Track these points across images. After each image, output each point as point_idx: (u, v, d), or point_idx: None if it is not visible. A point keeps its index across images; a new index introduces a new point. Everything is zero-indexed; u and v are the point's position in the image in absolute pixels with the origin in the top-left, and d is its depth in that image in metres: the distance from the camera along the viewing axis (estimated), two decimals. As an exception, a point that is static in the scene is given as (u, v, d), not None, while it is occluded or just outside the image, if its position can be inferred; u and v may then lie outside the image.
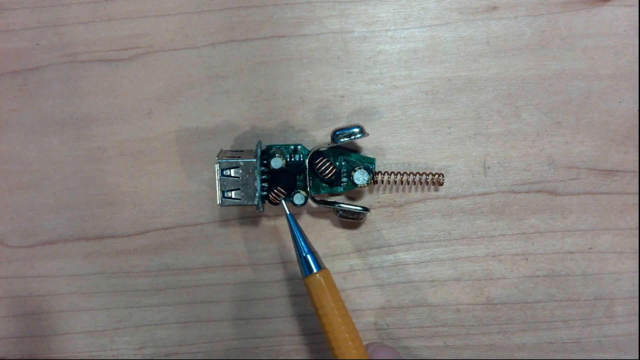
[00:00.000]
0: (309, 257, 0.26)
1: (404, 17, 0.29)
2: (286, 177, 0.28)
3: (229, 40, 0.29)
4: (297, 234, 0.26)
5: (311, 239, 0.30)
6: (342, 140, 0.26)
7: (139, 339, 0.31)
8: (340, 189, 0.28)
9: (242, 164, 0.26)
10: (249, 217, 0.30)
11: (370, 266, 0.30)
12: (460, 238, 0.30)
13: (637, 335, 0.31)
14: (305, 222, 0.30)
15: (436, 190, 0.30)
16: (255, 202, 0.27)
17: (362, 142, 0.30)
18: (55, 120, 0.30)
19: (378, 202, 0.30)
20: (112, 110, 0.30)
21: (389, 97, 0.29)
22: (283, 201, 0.27)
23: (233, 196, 0.27)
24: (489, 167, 0.30)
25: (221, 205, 0.27)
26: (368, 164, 0.28)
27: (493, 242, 0.30)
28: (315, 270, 0.25)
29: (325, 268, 0.26)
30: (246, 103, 0.29)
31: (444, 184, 0.29)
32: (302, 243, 0.26)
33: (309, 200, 0.28)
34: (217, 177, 0.26)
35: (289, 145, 0.28)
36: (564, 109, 0.29)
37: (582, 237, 0.30)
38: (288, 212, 0.27)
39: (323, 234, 0.30)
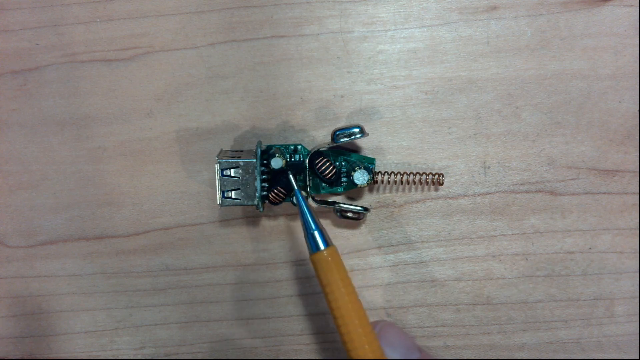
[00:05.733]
0: (316, 233, 0.25)
1: (404, 17, 0.29)
2: (286, 177, 0.28)
3: (229, 40, 0.29)
4: (306, 211, 0.25)
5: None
6: (342, 140, 0.26)
7: (139, 339, 0.31)
8: (340, 189, 0.28)
9: (242, 164, 0.26)
10: (249, 217, 0.30)
11: (370, 266, 0.30)
12: (460, 238, 0.30)
13: (637, 335, 0.31)
14: (305, 222, 0.30)
15: (436, 190, 0.30)
16: (255, 202, 0.27)
17: (362, 142, 0.30)
18: (55, 120, 0.30)
19: (378, 202, 0.30)
20: (112, 110, 0.30)
21: (389, 97, 0.29)
22: (291, 176, 0.27)
23: (233, 196, 0.27)
24: (489, 167, 0.30)
25: (221, 205, 0.27)
26: (368, 164, 0.28)
27: (493, 242, 0.30)
28: (322, 248, 0.25)
29: (332, 245, 0.25)
30: (246, 103, 0.29)
31: (444, 184, 0.29)
32: (310, 219, 0.25)
33: (309, 200, 0.28)
34: (217, 177, 0.26)
35: (289, 145, 0.28)
36: (564, 109, 0.29)
37: (582, 237, 0.30)
38: (297, 188, 0.26)
39: (323, 234, 0.30)
